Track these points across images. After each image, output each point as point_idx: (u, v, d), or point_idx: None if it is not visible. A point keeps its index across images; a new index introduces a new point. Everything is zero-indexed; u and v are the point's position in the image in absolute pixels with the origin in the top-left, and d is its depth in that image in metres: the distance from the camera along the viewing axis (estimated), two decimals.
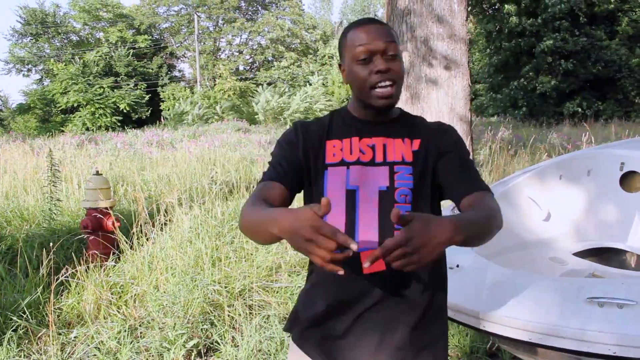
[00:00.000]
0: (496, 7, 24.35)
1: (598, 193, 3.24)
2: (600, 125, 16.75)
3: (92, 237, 4.48)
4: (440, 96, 6.22)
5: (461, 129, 6.26)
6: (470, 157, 1.46)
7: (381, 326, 1.38)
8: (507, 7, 22.64)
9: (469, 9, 6.53)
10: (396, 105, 1.45)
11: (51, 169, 5.67)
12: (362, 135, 1.42)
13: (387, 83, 1.34)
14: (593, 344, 1.67)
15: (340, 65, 1.47)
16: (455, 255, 2.29)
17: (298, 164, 1.41)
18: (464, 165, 1.39)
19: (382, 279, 1.35)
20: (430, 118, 5.74)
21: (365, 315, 1.38)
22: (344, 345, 1.40)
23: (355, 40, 1.36)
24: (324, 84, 33.92)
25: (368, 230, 1.35)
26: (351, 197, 1.37)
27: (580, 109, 22.00)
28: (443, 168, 1.38)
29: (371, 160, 1.39)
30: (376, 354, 1.38)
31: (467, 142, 6.33)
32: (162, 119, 21.43)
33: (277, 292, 3.87)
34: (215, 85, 34.98)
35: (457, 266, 2.21)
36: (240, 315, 3.45)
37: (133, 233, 4.52)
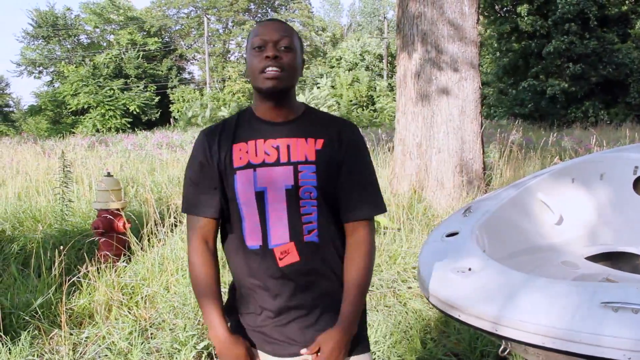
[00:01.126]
0: (508, 8, 24.25)
1: (611, 197, 3.21)
2: (612, 129, 16.64)
3: (103, 238, 4.51)
4: (450, 99, 6.20)
5: (472, 132, 6.24)
6: (370, 159, 1.61)
7: (302, 311, 1.53)
8: (520, 7, 22.53)
9: (479, 11, 6.51)
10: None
11: (63, 171, 5.71)
12: (266, 137, 1.51)
13: (275, 68, 1.43)
14: (607, 349, 1.65)
15: (246, 60, 1.55)
16: (466, 258, 2.29)
17: (213, 185, 1.52)
18: (356, 180, 1.54)
19: (295, 269, 1.50)
20: (441, 121, 5.74)
21: (287, 304, 1.52)
22: (271, 331, 1.54)
23: (253, 33, 1.49)
24: (332, 86, 33.94)
25: (279, 227, 1.49)
26: (260, 197, 1.48)
27: (591, 111, 21.82)
28: (342, 179, 1.53)
29: (276, 161, 1.49)
30: (302, 332, 1.53)
31: (478, 145, 6.31)
32: (171, 121, 21.52)
33: None
34: (224, 87, 35.09)
35: (469, 269, 2.20)
36: None
37: (143, 234, 4.54)
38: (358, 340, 1.57)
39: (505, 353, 1.96)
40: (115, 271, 4.05)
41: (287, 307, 1.52)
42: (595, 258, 3.00)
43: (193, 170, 1.55)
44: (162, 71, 38.73)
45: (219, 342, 1.49)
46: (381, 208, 1.58)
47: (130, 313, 3.62)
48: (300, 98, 26.99)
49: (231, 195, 1.51)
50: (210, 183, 1.52)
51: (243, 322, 1.59)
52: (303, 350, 1.48)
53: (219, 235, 1.60)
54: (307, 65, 41.77)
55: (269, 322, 1.54)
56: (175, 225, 4.80)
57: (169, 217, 4.73)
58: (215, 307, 1.51)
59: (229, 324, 1.55)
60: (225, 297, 1.65)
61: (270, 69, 1.43)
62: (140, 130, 24.44)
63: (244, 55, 1.57)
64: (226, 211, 1.54)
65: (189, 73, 45.95)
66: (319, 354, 1.48)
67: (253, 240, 1.50)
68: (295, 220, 1.49)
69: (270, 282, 1.51)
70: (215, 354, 1.52)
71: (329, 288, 1.55)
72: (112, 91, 32.58)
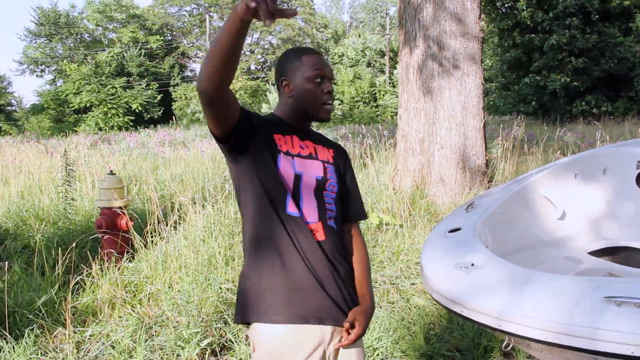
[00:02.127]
0: (509, 4, 24.17)
1: (614, 192, 3.20)
2: (614, 123, 16.59)
3: (107, 236, 4.52)
4: (453, 95, 6.18)
5: (474, 127, 6.23)
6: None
7: (327, 283, 1.66)
8: (520, 2, 22.45)
9: (481, 6, 6.49)
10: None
11: (66, 169, 5.72)
12: (300, 137, 1.76)
13: (331, 102, 1.74)
14: (610, 344, 1.65)
15: (283, 80, 1.74)
16: (469, 254, 2.28)
17: (253, 131, 1.64)
18: (355, 189, 1.88)
19: (322, 246, 1.66)
20: (443, 117, 5.74)
21: (317, 273, 1.65)
22: (310, 294, 1.64)
23: (312, 64, 1.71)
24: (335, 83, 33.88)
25: (310, 208, 1.68)
26: (297, 180, 1.68)
27: (593, 106, 21.73)
28: (342, 185, 1.82)
29: (309, 155, 1.74)
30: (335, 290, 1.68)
31: (480, 141, 6.30)
32: (174, 119, 21.54)
33: None
34: None
35: (472, 265, 2.19)
36: None
37: (147, 232, 4.55)
38: None
39: (509, 348, 1.96)
40: (119, 269, 4.06)
41: (317, 277, 1.64)
42: (598, 253, 2.99)
43: (248, 114, 1.66)
44: (164, 69, 38.73)
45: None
46: (366, 214, 1.98)
47: (133, 311, 3.62)
48: None
49: (272, 170, 1.65)
50: (255, 122, 1.65)
51: (265, 284, 1.63)
52: (346, 324, 1.62)
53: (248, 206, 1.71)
54: None
55: (293, 285, 1.62)
56: (179, 223, 4.81)
57: (172, 215, 4.74)
58: None
59: None
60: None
61: (329, 102, 1.73)
62: (143, 128, 24.44)
63: (286, 70, 1.74)
64: (266, 186, 1.64)
65: (191, 71, 45.92)
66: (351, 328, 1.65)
67: (293, 209, 1.65)
68: (321, 205, 1.70)
69: (307, 250, 1.64)
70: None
71: (343, 272, 1.72)
72: (114, 89, 32.59)
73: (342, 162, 1.84)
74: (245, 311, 1.64)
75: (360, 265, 1.80)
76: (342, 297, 1.68)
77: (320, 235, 1.67)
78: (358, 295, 1.75)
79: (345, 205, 1.82)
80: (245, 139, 1.62)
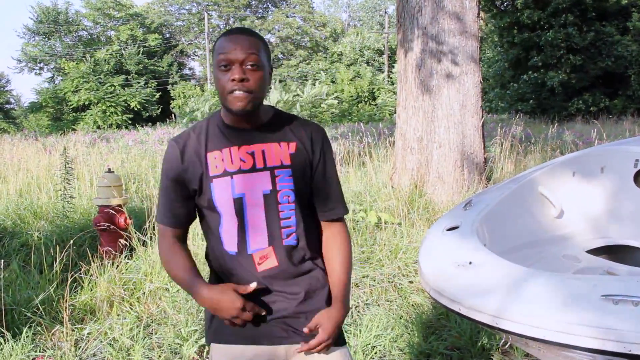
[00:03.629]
0: (508, 2, 24.17)
1: (612, 190, 3.21)
2: (612, 122, 16.61)
3: (105, 234, 4.51)
4: (451, 93, 6.18)
5: (472, 126, 6.23)
6: (335, 159, 1.67)
7: (282, 312, 1.56)
8: (518, 0, 22.46)
9: (480, 5, 6.48)
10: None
11: (65, 167, 5.71)
12: (240, 144, 1.52)
13: (242, 92, 1.43)
14: (608, 342, 1.65)
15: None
16: (467, 252, 2.29)
17: (188, 194, 1.55)
18: (329, 181, 1.61)
19: (274, 273, 1.53)
20: (442, 115, 5.72)
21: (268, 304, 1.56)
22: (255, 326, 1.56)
23: (219, 49, 1.47)
24: (333, 81, 33.88)
25: (257, 233, 1.52)
26: (239, 204, 1.50)
27: (591, 104, 21.73)
28: (315, 181, 1.59)
29: (252, 167, 1.51)
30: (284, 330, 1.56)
31: (479, 139, 6.30)
32: (173, 117, 21.51)
33: None
34: None
35: (470, 263, 2.20)
36: None
37: (146, 230, 4.54)
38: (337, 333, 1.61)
39: (507, 346, 1.96)
40: (117, 267, 4.05)
41: (268, 308, 1.55)
42: (596, 251, 3.00)
43: (165, 179, 1.56)
44: (162, 67, 38.68)
45: (210, 296, 1.49)
46: (347, 208, 1.68)
47: (132, 309, 3.62)
48: (302, 92, 26.91)
49: (209, 203, 1.52)
50: (181, 193, 1.55)
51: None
52: (304, 329, 1.52)
53: (200, 243, 1.66)
54: (307, 61, 41.68)
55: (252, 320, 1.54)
56: None
57: None
58: (198, 279, 1.52)
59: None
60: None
61: (237, 93, 1.43)
62: (142, 126, 24.41)
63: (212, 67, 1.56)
64: (206, 217, 1.58)
65: (190, 69, 45.93)
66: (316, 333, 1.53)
67: (231, 246, 1.53)
68: (273, 225, 1.52)
69: (244, 282, 1.52)
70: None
71: (310, 288, 1.58)
72: (113, 87, 32.54)
73: (309, 155, 1.57)
74: (205, 331, 1.66)
75: (336, 268, 1.60)
76: (294, 313, 1.55)
77: (270, 262, 1.52)
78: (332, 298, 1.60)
79: (318, 204, 1.62)
80: (192, 197, 1.57)
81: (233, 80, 1.42)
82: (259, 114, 1.54)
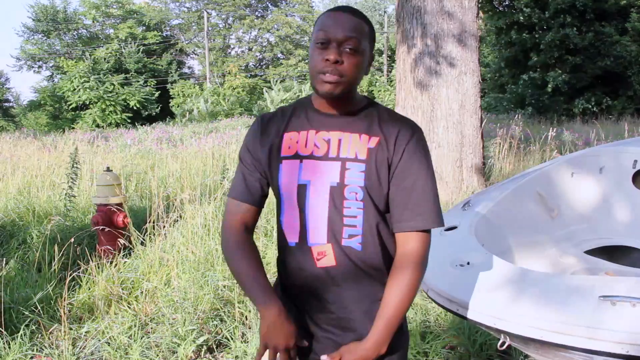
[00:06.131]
0: (506, 3, 24.18)
1: (610, 191, 3.21)
2: (611, 123, 16.61)
3: (103, 233, 4.51)
4: (450, 93, 6.19)
5: (471, 126, 6.23)
6: (430, 165, 1.44)
7: (334, 321, 1.45)
8: (518, 1, 22.48)
9: (479, 4, 6.49)
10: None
11: (72, 166, 5.72)
12: (319, 128, 1.42)
13: (333, 75, 1.33)
14: (606, 343, 1.65)
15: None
16: (465, 252, 2.29)
17: (262, 168, 1.47)
18: (411, 186, 1.39)
19: (331, 274, 1.41)
20: (440, 115, 5.72)
21: (319, 307, 1.46)
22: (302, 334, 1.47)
23: (320, 24, 1.37)
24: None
25: (318, 225, 1.40)
26: (302, 191, 1.40)
27: (589, 105, 21.73)
28: (392, 184, 1.40)
29: (325, 155, 1.40)
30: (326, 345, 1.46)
31: (478, 139, 6.30)
32: (173, 116, 21.49)
33: None
34: (224, 82, 35.04)
35: (468, 263, 2.20)
36: (250, 311, 3.46)
37: (145, 229, 4.54)
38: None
39: (505, 347, 1.96)
40: (115, 266, 4.05)
41: (321, 309, 1.45)
42: (594, 252, 3.00)
43: (243, 154, 1.50)
44: (162, 66, 38.63)
45: (273, 316, 1.39)
46: (437, 221, 1.40)
47: (130, 308, 3.62)
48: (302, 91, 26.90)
49: (275, 185, 1.45)
50: (256, 169, 1.47)
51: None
52: (323, 357, 1.39)
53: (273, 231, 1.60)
54: (307, 60, 41.59)
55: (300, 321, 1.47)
56: (176, 221, 4.80)
57: (173, 212, 4.74)
58: (267, 291, 1.42)
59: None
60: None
61: (328, 75, 1.33)
62: (141, 125, 24.39)
63: (310, 42, 1.43)
64: (278, 206, 1.49)
65: (189, 68, 45.90)
66: None
67: (292, 236, 1.44)
68: (335, 221, 1.39)
69: (306, 281, 1.44)
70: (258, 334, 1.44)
71: (365, 302, 1.44)
72: (112, 86, 32.49)
73: (390, 153, 1.39)
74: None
75: (387, 292, 1.38)
76: (335, 328, 1.45)
77: (328, 260, 1.39)
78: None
79: (395, 211, 1.40)
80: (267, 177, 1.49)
81: (327, 60, 1.32)
82: (349, 101, 1.43)
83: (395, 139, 1.40)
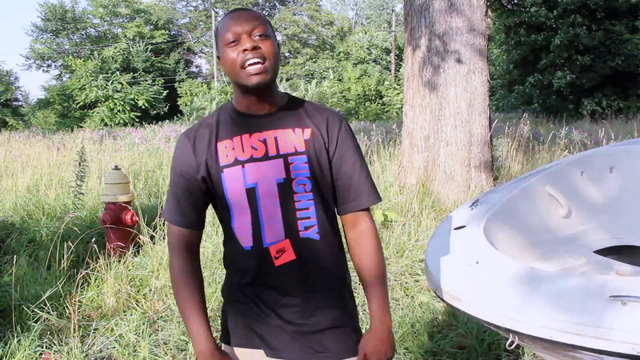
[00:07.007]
0: (515, 1, 24.05)
1: (621, 190, 3.19)
2: (621, 122, 16.50)
3: (112, 231, 4.53)
4: (458, 92, 6.16)
5: (480, 125, 6.21)
6: (359, 147, 1.53)
7: (297, 313, 1.47)
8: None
9: (488, 3, 6.45)
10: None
11: (80, 165, 5.75)
12: (251, 131, 1.44)
13: (256, 60, 1.36)
14: (616, 343, 1.64)
15: (219, 58, 1.46)
16: (474, 251, 2.28)
17: (198, 189, 1.46)
18: (350, 169, 1.47)
19: (293, 268, 1.44)
20: (449, 114, 5.70)
21: (283, 302, 1.47)
22: (266, 330, 1.49)
23: (223, 27, 1.41)
24: (339, 80, 33.84)
25: (273, 224, 1.42)
26: (252, 194, 1.42)
27: (605, 106, 21.54)
28: (333, 170, 1.47)
29: (265, 155, 1.42)
30: (294, 336, 1.48)
31: (487, 138, 6.27)
32: (182, 114, 21.54)
33: None
34: None
35: (477, 262, 2.19)
36: None
37: (153, 226, 4.56)
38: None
39: (513, 346, 1.95)
40: (124, 264, 4.07)
41: (285, 305, 1.47)
42: (604, 252, 2.98)
43: (175, 175, 1.48)
44: (169, 65, 38.75)
45: (204, 352, 1.46)
46: (378, 196, 1.51)
47: (138, 305, 3.64)
48: (308, 90, 26.89)
49: (220, 195, 1.44)
50: (191, 191, 1.47)
51: (240, 319, 1.53)
52: None
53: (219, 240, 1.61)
54: (314, 59, 41.61)
55: (267, 320, 1.49)
56: None
57: None
58: (199, 318, 1.47)
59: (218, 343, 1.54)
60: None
61: (251, 61, 1.35)
62: (149, 124, 24.47)
63: (217, 55, 1.47)
64: (221, 215, 1.51)
65: (197, 66, 46.02)
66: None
67: (246, 241, 1.45)
68: (289, 216, 1.42)
69: (268, 281, 1.46)
70: None
71: (330, 287, 1.50)
72: (120, 85, 32.63)
73: (325, 141, 1.46)
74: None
75: (364, 272, 1.48)
76: (313, 329, 1.48)
77: (288, 255, 1.42)
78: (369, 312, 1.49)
79: (340, 194, 1.48)
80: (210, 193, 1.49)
81: (245, 50, 1.36)
82: (273, 97, 1.46)
83: (327, 127, 1.47)
